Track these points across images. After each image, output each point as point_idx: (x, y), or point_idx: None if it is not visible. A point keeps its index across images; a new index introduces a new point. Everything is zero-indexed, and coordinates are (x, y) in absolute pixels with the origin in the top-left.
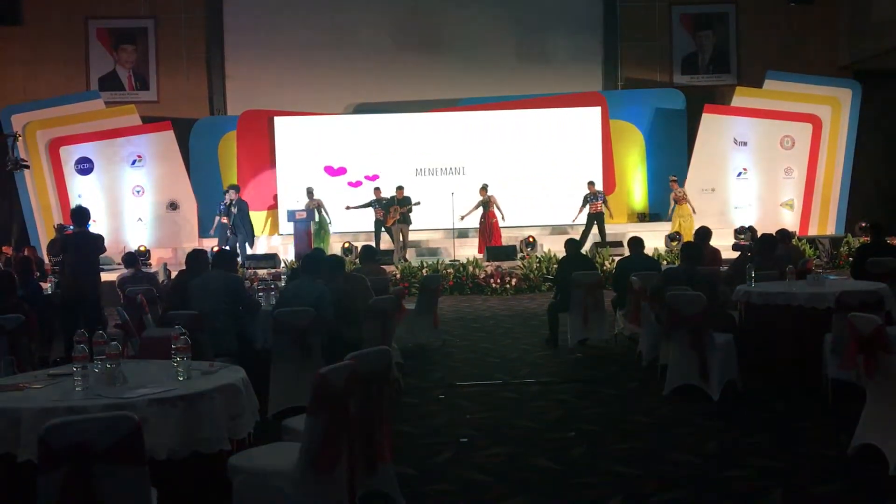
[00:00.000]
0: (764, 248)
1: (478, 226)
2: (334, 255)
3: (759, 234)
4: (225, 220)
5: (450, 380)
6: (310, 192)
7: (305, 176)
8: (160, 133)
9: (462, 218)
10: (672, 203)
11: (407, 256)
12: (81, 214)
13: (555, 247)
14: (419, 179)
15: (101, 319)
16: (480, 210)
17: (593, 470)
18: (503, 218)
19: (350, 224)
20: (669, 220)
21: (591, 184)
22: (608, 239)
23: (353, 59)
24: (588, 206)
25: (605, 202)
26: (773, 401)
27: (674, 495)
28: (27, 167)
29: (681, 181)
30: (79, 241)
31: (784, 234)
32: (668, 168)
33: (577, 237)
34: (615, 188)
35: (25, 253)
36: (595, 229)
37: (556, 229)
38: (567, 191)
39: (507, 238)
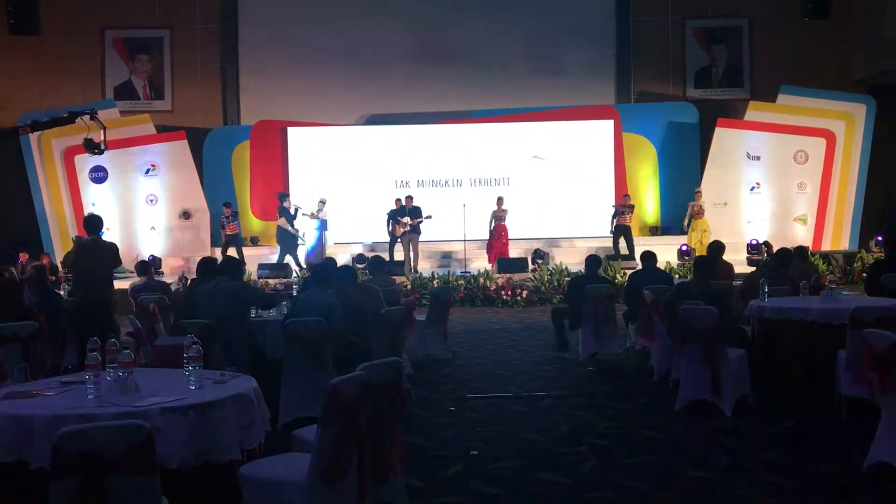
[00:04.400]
0: (778, 264)
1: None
2: (346, 266)
3: (774, 249)
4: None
5: (460, 392)
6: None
7: (318, 186)
8: (174, 142)
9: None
10: (689, 216)
11: (418, 268)
12: (94, 222)
13: (566, 259)
14: (431, 190)
15: (114, 328)
16: (494, 221)
17: (604, 485)
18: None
19: (362, 234)
20: (685, 232)
21: (625, 196)
22: (620, 253)
23: (367, 70)
24: (616, 219)
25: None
26: (786, 417)
27: None
28: (100, 152)
29: (693, 196)
30: (92, 248)
31: (801, 251)
32: (681, 182)
33: (591, 250)
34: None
35: (43, 261)
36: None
37: (568, 241)
38: (579, 204)
39: (520, 250)
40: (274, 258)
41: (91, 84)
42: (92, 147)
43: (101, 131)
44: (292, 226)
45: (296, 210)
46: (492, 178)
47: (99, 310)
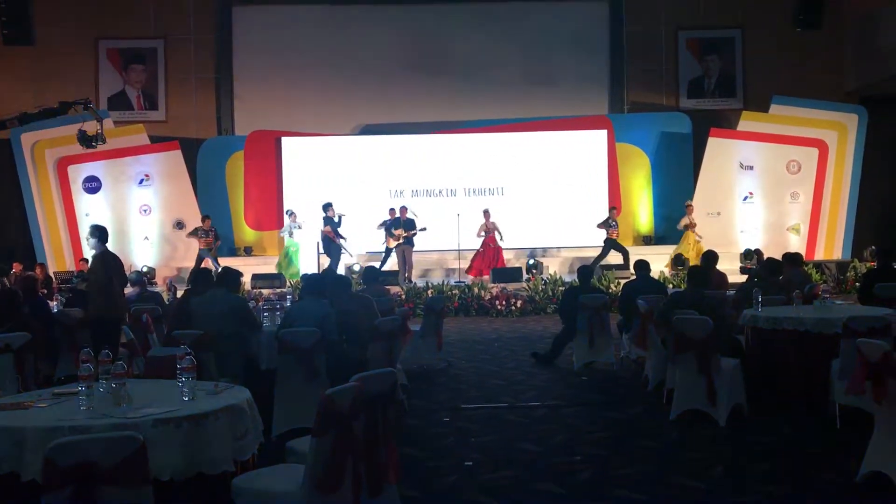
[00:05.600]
0: (768, 273)
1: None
2: (341, 275)
3: (764, 258)
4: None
5: (454, 402)
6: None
7: (312, 196)
8: (168, 152)
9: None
10: (684, 227)
11: (412, 277)
12: (105, 233)
13: (560, 269)
14: (425, 200)
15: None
16: (484, 234)
17: (599, 494)
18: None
19: (356, 244)
20: (677, 242)
21: (612, 209)
22: (613, 263)
23: (360, 80)
24: (606, 232)
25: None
26: (780, 426)
27: None
28: (95, 145)
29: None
30: (107, 259)
31: (795, 257)
32: (674, 191)
33: (585, 260)
34: (621, 211)
35: (37, 272)
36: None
37: (562, 251)
38: (573, 213)
39: (512, 260)
40: (268, 269)
41: (85, 94)
42: (86, 140)
43: (97, 123)
44: (338, 234)
45: (339, 218)
46: (486, 188)
47: (116, 322)
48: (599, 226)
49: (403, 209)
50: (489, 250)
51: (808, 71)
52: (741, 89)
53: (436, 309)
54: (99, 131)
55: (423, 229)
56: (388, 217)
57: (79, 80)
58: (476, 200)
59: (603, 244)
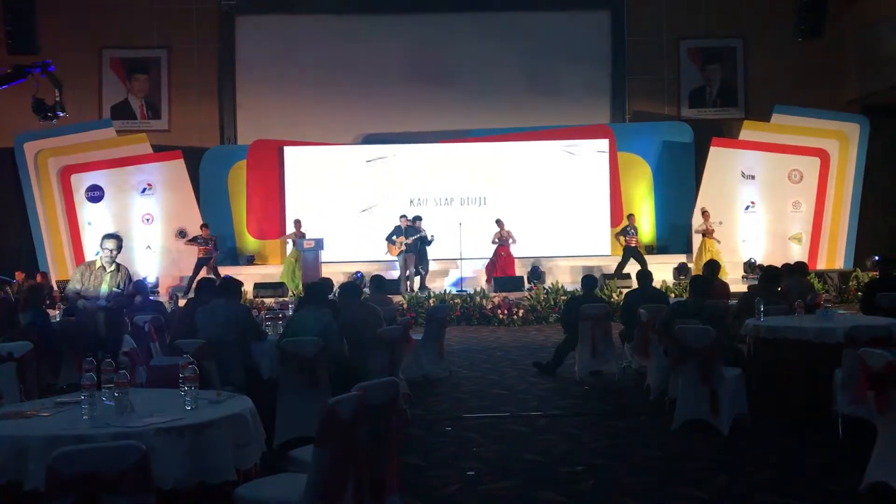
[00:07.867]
0: (768, 282)
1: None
2: (351, 283)
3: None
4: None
5: (456, 411)
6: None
7: (314, 205)
8: (171, 162)
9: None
10: (701, 235)
11: (414, 286)
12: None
13: (562, 277)
14: (428, 210)
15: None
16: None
17: None
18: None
19: (358, 253)
20: (687, 251)
21: (629, 216)
22: (614, 272)
23: (364, 89)
24: (624, 240)
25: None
26: (783, 436)
27: None
28: (53, 116)
29: (689, 215)
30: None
31: (799, 266)
32: (676, 201)
33: (588, 269)
34: (622, 220)
35: (38, 280)
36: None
37: (563, 260)
38: (574, 222)
39: (516, 268)
40: (270, 278)
41: (88, 103)
42: (43, 110)
43: (56, 91)
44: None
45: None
46: (487, 197)
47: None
48: (618, 235)
49: (416, 218)
50: (500, 259)
51: (809, 80)
52: (743, 98)
53: (438, 318)
54: (58, 99)
55: (433, 237)
56: (400, 223)
57: (82, 88)
58: (477, 210)
59: (623, 252)
